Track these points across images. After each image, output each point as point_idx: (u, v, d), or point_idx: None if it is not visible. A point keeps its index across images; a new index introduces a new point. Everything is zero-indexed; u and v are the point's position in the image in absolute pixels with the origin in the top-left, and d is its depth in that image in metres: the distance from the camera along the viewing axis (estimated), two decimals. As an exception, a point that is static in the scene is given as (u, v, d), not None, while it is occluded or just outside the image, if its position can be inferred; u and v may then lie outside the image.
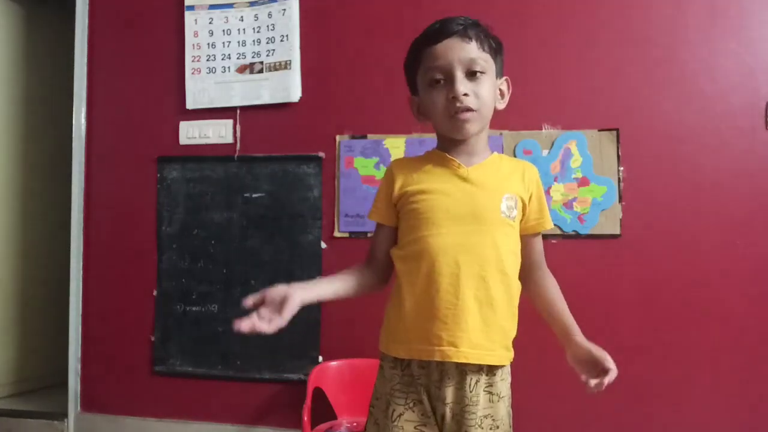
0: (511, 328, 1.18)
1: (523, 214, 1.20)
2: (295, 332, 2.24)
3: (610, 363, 1.06)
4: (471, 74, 1.14)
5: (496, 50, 1.19)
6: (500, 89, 1.23)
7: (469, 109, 1.13)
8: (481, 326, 1.12)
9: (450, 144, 1.20)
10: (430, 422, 1.14)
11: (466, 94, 1.12)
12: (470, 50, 1.14)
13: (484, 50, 1.16)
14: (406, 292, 1.16)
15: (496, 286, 1.13)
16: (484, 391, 1.13)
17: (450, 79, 1.14)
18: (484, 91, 1.15)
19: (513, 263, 1.17)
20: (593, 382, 1.05)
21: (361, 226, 2.20)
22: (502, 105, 1.24)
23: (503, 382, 1.17)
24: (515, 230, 1.18)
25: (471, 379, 1.12)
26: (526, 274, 1.22)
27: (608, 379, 1.05)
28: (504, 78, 1.24)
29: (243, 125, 2.35)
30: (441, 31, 1.16)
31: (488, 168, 1.19)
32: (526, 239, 1.22)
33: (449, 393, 1.12)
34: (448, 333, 1.11)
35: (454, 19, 1.17)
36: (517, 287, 1.18)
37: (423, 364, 1.14)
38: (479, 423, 1.11)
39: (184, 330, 2.36)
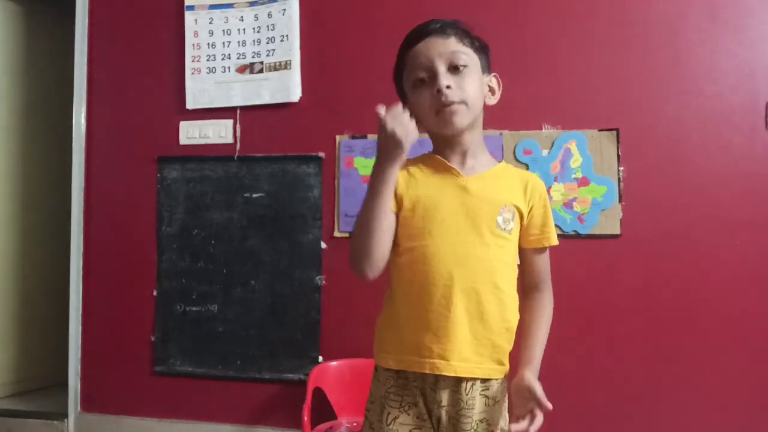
0: (503, 343, 1.15)
1: (522, 226, 1.18)
2: (295, 332, 2.25)
3: (545, 402, 1.07)
4: (454, 68, 1.13)
5: (479, 47, 1.18)
6: (489, 86, 1.21)
7: (455, 102, 1.12)
8: (470, 340, 1.11)
9: (444, 144, 1.19)
10: (426, 425, 1.13)
11: (449, 87, 1.11)
12: (450, 44, 1.14)
13: (464, 44, 1.15)
14: (399, 302, 1.15)
15: (488, 299, 1.11)
16: (480, 394, 1.13)
17: (433, 76, 1.13)
18: (468, 84, 1.13)
19: (508, 277, 1.15)
20: (516, 427, 1.06)
21: (361, 226, 2.19)
22: (492, 101, 1.22)
23: (499, 386, 1.16)
24: (511, 242, 1.16)
25: (467, 383, 1.11)
26: (524, 291, 1.21)
27: (534, 427, 1.06)
28: (492, 74, 1.22)
29: (243, 125, 2.35)
30: (419, 32, 1.16)
31: (488, 178, 1.18)
32: (527, 254, 1.20)
33: (445, 396, 1.12)
34: (440, 346, 1.10)
35: (432, 20, 1.17)
36: (512, 301, 1.16)
37: None
38: (475, 427, 1.11)
39: (184, 330, 2.35)
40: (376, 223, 1.10)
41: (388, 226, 1.12)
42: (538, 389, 1.09)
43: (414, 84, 1.16)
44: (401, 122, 1.07)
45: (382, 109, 1.07)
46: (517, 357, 1.20)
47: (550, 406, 1.07)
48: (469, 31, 1.18)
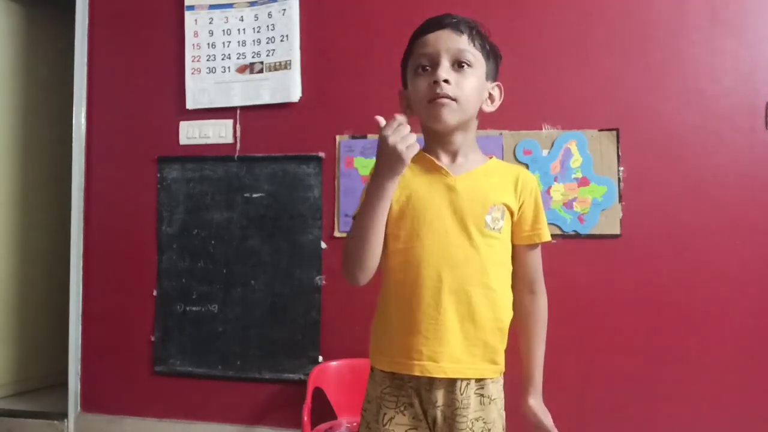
0: (497, 342, 1.14)
1: (512, 223, 1.18)
2: (295, 332, 2.25)
3: None
4: (458, 65, 1.13)
5: (489, 53, 1.18)
6: (490, 93, 1.21)
7: (448, 97, 1.11)
8: (462, 341, 1.11)
9: (434, 141, 1.19)
10: (422, 425, 1.13)
11: (447, 81, 1.11)
12: (460, 42, 1.13)
13: (474, 45, 1.15)
14: (390, 304, 1.15)
15: (479, 300, 1.11)
16: (475, 393, 1.13)
17: (435, 66, 1.13)
18: (467, 84, 1.13)
19: (500, 276, 1.15)
20: None
21: (361, 226, 2.19)
22: (490, 108, 1.21)
23: (495, 385, 1.15)
24: (502, 241, 1.16)
25: (461, 383, 1.11)
26: (516, 291, 1.20)
27: None
28: (496, 83, 1.22)
29: (243, 125, 2.35)
30: (434, 22, 1.16)
31: (477, 177, 1.17)
32: (518, 251, 1.19)
33: (440, 396, 1.12)
34: (429, 348, 1.10)
35: (450, 14, 1.17)
36: (505, 300, 1.16)
37: None
38: (470, 426, 1.11)
39: (184, 330, 2.36)
40: (371, 235, 1.10)
41: (382, 237, 1.12)
42: (548, 422, 1.13)
43: (415, 70, 1.16)
44: (403, 136, 1.03)
45: (382, 120, 1.06)
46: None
47: None
48: (484, 35, 1.18)
